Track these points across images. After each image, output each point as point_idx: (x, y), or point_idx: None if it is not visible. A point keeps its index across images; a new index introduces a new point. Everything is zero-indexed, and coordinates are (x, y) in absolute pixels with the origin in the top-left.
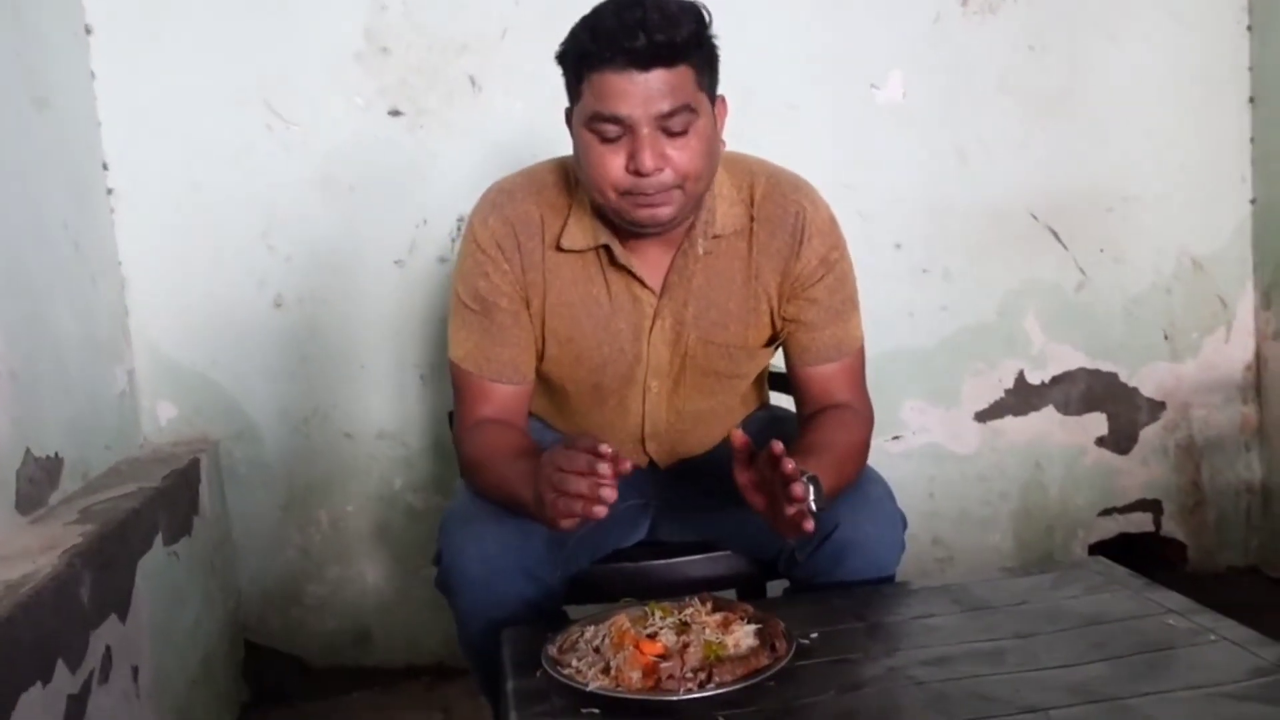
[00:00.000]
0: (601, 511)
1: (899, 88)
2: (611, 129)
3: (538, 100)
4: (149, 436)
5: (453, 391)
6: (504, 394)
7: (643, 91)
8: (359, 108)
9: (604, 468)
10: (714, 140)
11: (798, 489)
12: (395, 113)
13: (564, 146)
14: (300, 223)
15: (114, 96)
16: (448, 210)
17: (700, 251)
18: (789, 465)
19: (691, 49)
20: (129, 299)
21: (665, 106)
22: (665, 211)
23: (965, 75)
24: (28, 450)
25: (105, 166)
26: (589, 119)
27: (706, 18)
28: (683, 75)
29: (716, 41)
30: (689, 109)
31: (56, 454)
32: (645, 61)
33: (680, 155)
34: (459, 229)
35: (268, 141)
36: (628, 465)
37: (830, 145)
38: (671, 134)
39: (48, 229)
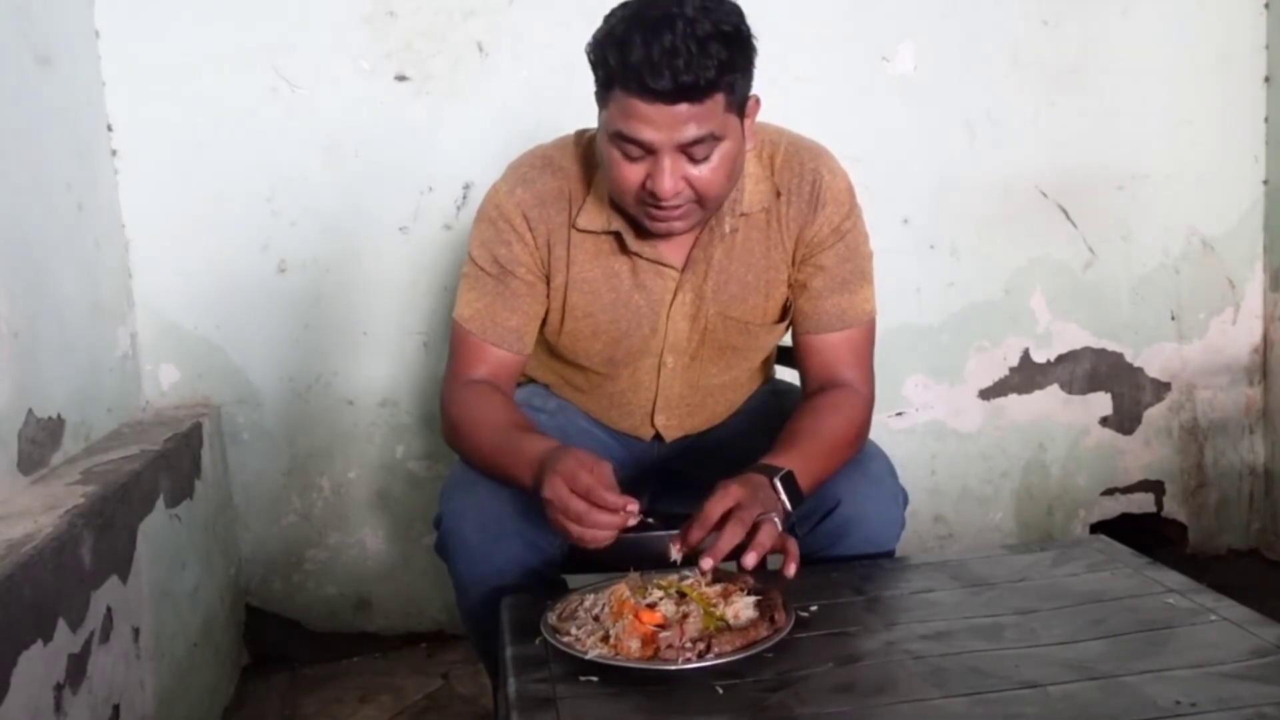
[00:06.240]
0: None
1: (910, 60)
2: (634, 149)
3: (545, 67)
4: (151, 400)
5: (449, 348)
6: (500, 359)
7: (668, 120)
8: (365, 72)
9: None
10: (738, 158)
11: (749, 560)
12: (401, 78)
13: (569, 115)
14: (305, 187)
15: (119, 56)
16: (453, 177)
17: (727, 230)
18: (706, 565)
19: (721, 79)
20: (132, 261)
21: (689, 136)
22: (680, 225)
23: (977, 48)
24: (30, 411)
25: (110, 128)
26: (612, 133)
27: (744, 32)
28: (710, 105)
29: (756, 43)
30: (713, 136)
31: (58, 415)
32: (671, 98)
33: (701, 177)
34: (465, 196)
35: (273, 105)
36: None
37: (839, 117)
38: (694, 159)
39: (51, 190)
